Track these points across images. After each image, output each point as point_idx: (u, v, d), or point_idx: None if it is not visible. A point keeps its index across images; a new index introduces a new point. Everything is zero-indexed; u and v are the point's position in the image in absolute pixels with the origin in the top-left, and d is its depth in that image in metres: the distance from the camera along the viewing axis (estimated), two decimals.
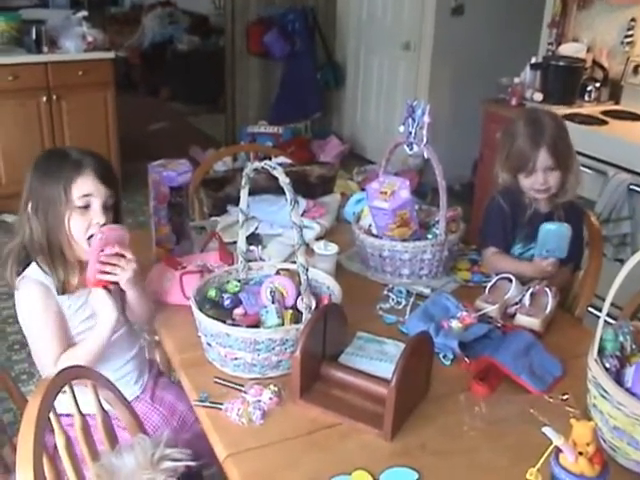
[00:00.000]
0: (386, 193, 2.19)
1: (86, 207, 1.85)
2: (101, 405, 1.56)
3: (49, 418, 1.37)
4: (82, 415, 1.49)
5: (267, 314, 1.81)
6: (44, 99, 4.88)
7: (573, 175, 2.25)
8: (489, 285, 2.12)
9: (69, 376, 1.46)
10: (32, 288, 1.86)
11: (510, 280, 2.11)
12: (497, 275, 2.17)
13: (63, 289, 1.87)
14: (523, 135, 2.22)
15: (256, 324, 1.81)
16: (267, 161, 1.81)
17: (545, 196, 2.25)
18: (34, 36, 4.80)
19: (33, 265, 1.88)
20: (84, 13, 5.21)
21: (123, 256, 1.83)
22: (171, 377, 2.32)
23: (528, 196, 2.28)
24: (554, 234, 2.12)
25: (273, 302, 1.87)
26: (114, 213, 1.92)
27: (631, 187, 3.27)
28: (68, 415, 1.61)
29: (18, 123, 4.85)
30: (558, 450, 1.32)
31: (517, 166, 2.24)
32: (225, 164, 5.19)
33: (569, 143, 2.27)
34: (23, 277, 1.88)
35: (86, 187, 1.84)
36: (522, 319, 1.99)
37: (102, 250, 1.81)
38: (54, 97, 4.91)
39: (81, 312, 1.92)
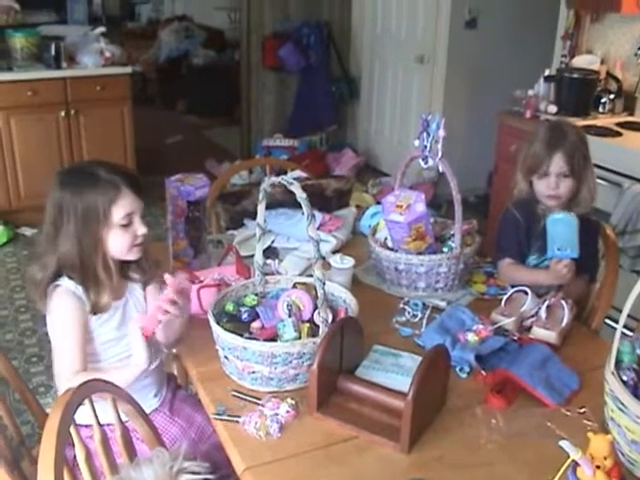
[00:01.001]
0: (402, 207, 2.20)
1: (128, 224, 1.89)
2: (120, 418, 1.58)
3: (69, 431, 1.39)
4: (101, 428, 1.51)
5: (284, 327, 1.82)
6: (63, 114, 4.93)
7: (587, 188, 2.27)
8: (505, 298, 2.12)
9: (90, 390, 1.48)
10: (66, 298, 1.87)
11: (526, 293, 2.11)
12: (513, 287, 2.17)
13: (93, 310, 1.89)
14: (542, 138, 2.27)
15: (273, 337, 1.82)
16: (284, 176, 1.83)
17: (556, 203, 2.27)
18: (53, 52, 4.85)
19: (66, 278, 1.89)
20: (102, 29, 5.26)
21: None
22: (188, 390, 2.34)
23: (541, 207, 2.29)
24: (562, 224, 2.12)
25: (290, 316, 1.88)
26: None
27: None
28: (87, 426, 1.62)
29: (37, 138, 4.91)
30: (575, 464, 1.32)
31: (532, 167, 2.27)
32: (241, 177, 5.23)
33: (587, 156, 2.28)
34: (57, 286, 1.88)
35: (128, 206, 1.88)
36: (538, 332, 1.99)
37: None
38: (72, 112, 4.96)
39: (106, 325, 1.94)
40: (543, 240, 2.21)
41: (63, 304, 1.87)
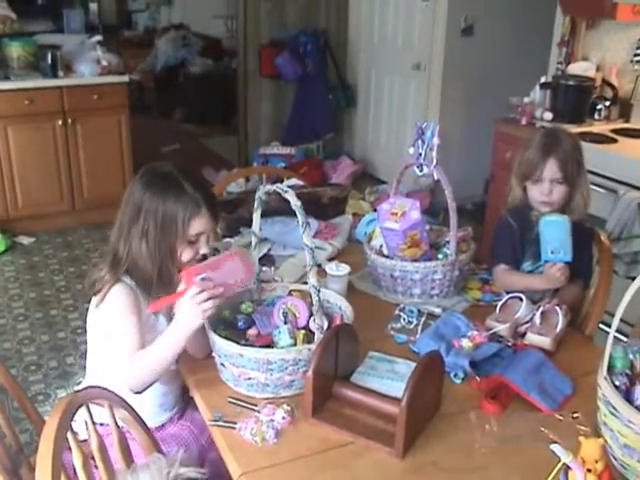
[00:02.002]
0: (397, 214, 2.21)
1: (196, 242, 1.94)
2: (117, 424, 1.59)
3: (67, 438, 1.40)
4: (98, 435, 1.52)
5: (279, 334, 1.83)
6: (59, 123, 4.95)
7: (580, 195, 2.29)
8: (500, 304, 2.14)
9: (86, 397, 1.49)
10: (125, 291, 1.89)
11: (521, 299, 2.13)
12: (508, 293, 2.18)
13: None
14: (537, 144, 2.30)
15: (269, 344, 1.83)
16: (279, 184, 1.84)
17: (549, 209, 2.29)
18: (50, 61, 4.88)
19: (128, 277, 1.92)
20: (99, 38, 5.29)
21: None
22: None
23: (535, 213, 2.31)
24: (555, 226, 2.14)
25: (285, 322, 1.90)
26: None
27: None
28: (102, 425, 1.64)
29: (34, 147, 4.92)
30: (567, 467, 1.33)
31: (526, 173, 2.30)
32: (238, 185, 5.23)
33: (581, 163, 2.30)
34: (120, 281, 1.90)
35: (202, 227, 1.92)
36: (533, 338, 2.00)
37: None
38: (69, 121, 4.98)
39: (154, 328, 1.96)
40: (537, 246, 2.23)
41: (123, 292, 1.89)
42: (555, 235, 2.14)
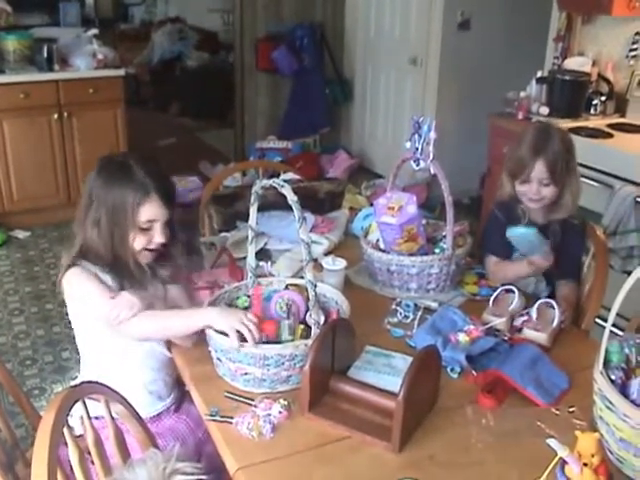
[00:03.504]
0: (393, 208, 2.21)
1: (148, 229, 1.94)
2: (113, 419, 1.59)
3: (63, 432, 1.39)
4: (94, 430, 1.52)
5: (280, 329, 1.84)
6: (55, 116, 4.94)
7: (569, 194, 2.29)
8: (492, 297, 2.14)
9: (83, 392, 1.49)
10: (84, 274, 1.91)
11: (513, 291, 2.13)
12: (502, 285, 2.19)
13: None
14: (527, 143, 2.28)
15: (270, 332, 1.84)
16: (275, 179, 1.83)
17: (538, 206, 2.30)
18: (45, 54, 4.86)
19: (88, 263, 1.93)
20: (95, 31, 5.27)
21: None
22: None
23: (522, 207, 2.33)
24: (520, 237, 2.17)
25: (288, 317, 1.90)
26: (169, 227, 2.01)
27: (637, 200, 3.28)
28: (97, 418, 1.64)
29: (29, 140, 4.91)
30: (563, 462, 1.34)
31: (515, 171, 2.30)
32: (234, 179, 5.23)
33: (571, 163, 2.30)
34: (76, 265, 1.92)
35: (152, 213, 1.93)
36: (529, 333, 2.00)
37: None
38: (65, 114, 4.97)
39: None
40: None
41: (83, 274, 1.91)
42: (523, 243, 2.19)
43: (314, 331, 1.79)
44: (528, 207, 2.32)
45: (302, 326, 1.87)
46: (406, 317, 2.14)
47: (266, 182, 1.83)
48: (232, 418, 1.66)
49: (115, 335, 1.93)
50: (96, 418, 1.58)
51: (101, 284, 1.90)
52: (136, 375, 2.02)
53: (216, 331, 1.77)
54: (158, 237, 1.95)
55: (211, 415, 1.69)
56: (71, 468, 1.45)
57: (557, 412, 1.70)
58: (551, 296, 2.23)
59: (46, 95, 4.89)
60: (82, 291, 1.92)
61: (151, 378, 2.07)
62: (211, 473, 1.85)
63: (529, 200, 2.29)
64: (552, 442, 1.30)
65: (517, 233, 2.17)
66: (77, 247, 1.94)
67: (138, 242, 1.94)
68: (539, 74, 4.29)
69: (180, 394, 2.17)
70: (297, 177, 3.14)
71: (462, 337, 1.93)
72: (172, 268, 2.05)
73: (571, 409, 1.70)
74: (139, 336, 1.94)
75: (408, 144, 2.23)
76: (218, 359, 1.81)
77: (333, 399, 1.72)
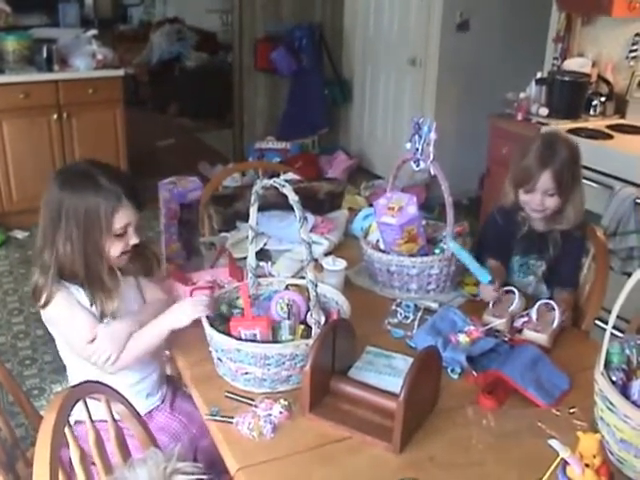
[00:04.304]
0: (394, 209, 2.21)
1: (123, 234, 1.93)
2: (114, 418, 1.58)
3: (64, 432, 1.39)
4: (95, 428, 1.51)
5: (281, 329, 1.84)
6: (54, 117, 4.94)
7: (572, 207, 2.27)
8: None
9: (84, 391, 1.49)
10: (62, 295, 1.90)
11: (513, 292, 2.13)
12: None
13: (101, 317, 1.92)
14: (534, 153, 2.24)
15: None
16: (276, 179, 1.83)
17: (540, 216, 2.29)
18: (45, 55, 4.86)
19: (68, 283, 1.92)
20: (94, 32, 5.27)
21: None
22: (185, 391, 2.35)
23: (522, 215, 2.32)
24: (459, 254, 2.19)
25: (289, 317, 1.90)
26: None
27: (637, 201, 3.28)
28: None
29: (29, 141, 4.91)
30: (565, 463, 1.33)
31: (520, 181, 2.28)
32: (234, 180, 5.23)
33: (577, 176, 2.28)
34: (63, 286, 1.91)
35: (126, 218, 1.91)
36: (530, 334, 2.00)
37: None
38: (64, 115, 4.97)
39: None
40: (525, 242, 2.31)
41: (68, 298, 1.90)
42: (465, 260, 2.19)
43: (315, 331, 1.79)
44: (529, 215, 2.31)
45: (302, 326, 1.87)
46: (406, 318, 2.14)
47: (267, 182, 1.82)
48: (233, 418, 1.66)
49: None
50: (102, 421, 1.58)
51: (82, 317, 1.89)
52: (120, 379, 1.96)
53: (218, 331, 1.77)
54: (133, 239, 1.95)
55: (212, 415, 1.69)
56: (71, 468, 1.45)
57: (558, 413, 1.70)
58: (551, 298, 2.22)
59: (45, 95, 4.89)
60: (64, 327, 1.94)
61: (138, 378, 2.06)
62: (208, 468, 1.86)
63: (532, 210, 2.28)
64: (554, 443, 1.30)
65: (454, 249, 2.20)
66: (52, 267, 1.88)
67: (115, 249, 1.92)
68: (539, 75, 4.29)
69: (171, 394, 2.17)
70: (297, 177, 3.14)
71: (462, 338, 1.93)
72: (142, 261, 2.07)
73: (572, 410, 1.70)
74: (123, 368, 1.95)
75: (408, 145, 2.22)
76: (218, 359, 1.81)
77: (334, 399, 1.72)
